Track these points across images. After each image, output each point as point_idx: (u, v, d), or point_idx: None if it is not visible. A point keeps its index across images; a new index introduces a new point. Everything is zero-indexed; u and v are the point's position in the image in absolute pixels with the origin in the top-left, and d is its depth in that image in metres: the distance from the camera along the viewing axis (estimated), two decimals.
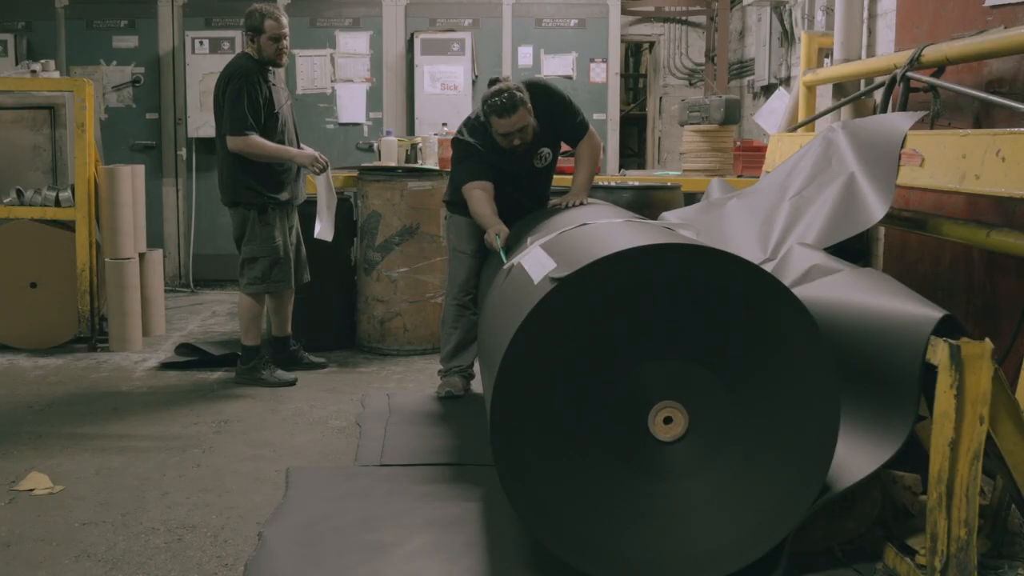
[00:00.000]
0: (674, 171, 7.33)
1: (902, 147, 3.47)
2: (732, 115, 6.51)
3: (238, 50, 7.64)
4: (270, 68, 4.78)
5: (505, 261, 3.54)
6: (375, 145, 6.55)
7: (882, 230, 4.65)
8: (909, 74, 3.84)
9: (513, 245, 3.76)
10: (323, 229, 4.93)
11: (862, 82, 4.81)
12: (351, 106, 7.77)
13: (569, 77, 7.97)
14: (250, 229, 4.76)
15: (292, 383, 4.84)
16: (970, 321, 3.86)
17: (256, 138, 4.66)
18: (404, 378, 5.08)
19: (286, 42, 4.74)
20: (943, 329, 2.58)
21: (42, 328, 5.58)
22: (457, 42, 7.70)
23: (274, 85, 4.79)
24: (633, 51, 11.92)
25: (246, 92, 4.62)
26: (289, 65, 7.86)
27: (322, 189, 4.88)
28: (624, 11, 8.77)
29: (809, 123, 5.09)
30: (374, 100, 7.86)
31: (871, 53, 5.20)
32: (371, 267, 5.55)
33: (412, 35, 7.81)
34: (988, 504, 2.75)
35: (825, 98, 5.35)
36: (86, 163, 5.48)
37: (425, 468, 3.67)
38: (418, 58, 7.64)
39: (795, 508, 2.65)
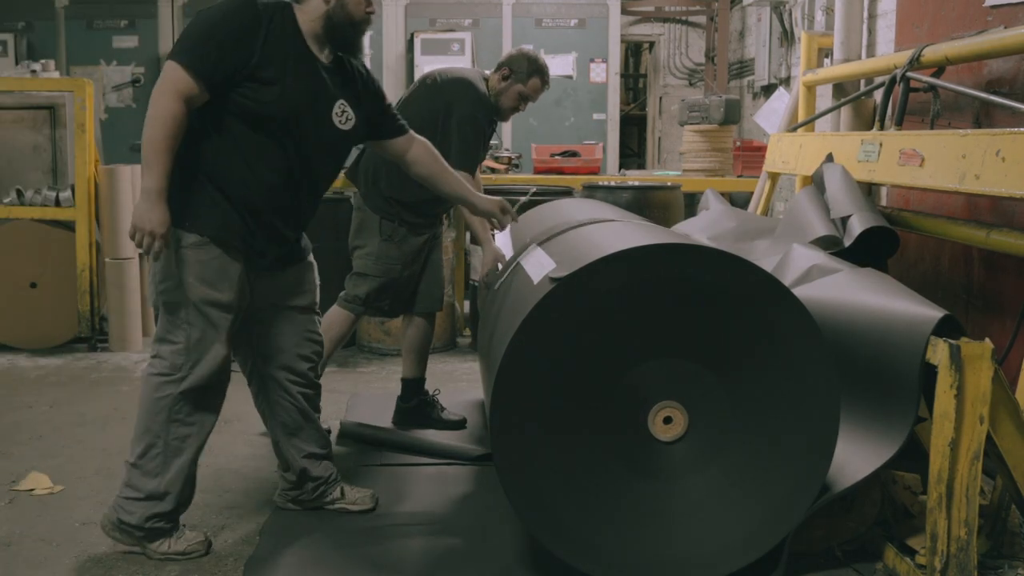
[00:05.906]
0: (674, 171, 7.34)
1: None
2: (732, 115, 6.52)
3: None
4: None
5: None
6: None
7: None
8: (909, 74, 3.83)
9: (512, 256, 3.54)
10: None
11: (862, 82, 4.81)
12: None
13: (569, 77, 7.97)
14: (369, 239, 4.01)
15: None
16: (970, 321, 3.86)
17: None
18: None
19: None
20: (943, 329, 2.58)
21: (42, 328, 5.57)
22: (457, 42, 7.69)
23: None
24: (633, 51, 11.92)
25: None
26: None
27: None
28: (624, 11, 8.77)
29: (809, 123, 5.08)
30: None
31: (871, 53, 5.20)
32: None
33: (412, 35, 7.80)
34: (988, 504, 2.75)
35: (825, 98, 5.35)
36: (86, 163, 5.48)
37: (425, 468, 3.67)
38: (418, 58, 7.63)
39: (795, 508, 2.65)
